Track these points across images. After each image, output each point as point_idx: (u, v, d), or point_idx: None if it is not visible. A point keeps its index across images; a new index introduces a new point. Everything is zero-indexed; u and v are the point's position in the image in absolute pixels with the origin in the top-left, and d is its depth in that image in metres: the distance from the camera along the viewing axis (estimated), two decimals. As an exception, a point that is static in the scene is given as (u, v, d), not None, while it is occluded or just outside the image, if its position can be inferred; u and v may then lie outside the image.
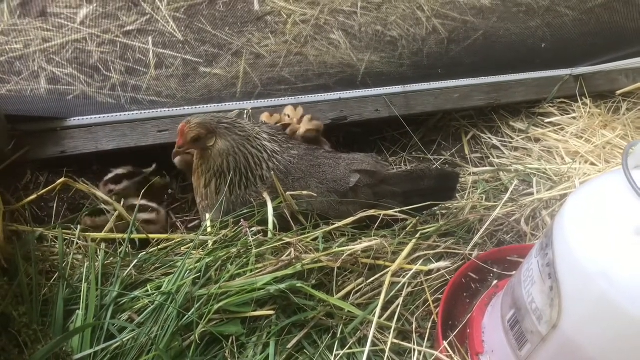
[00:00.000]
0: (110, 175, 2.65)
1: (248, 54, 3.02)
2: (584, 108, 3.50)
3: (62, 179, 2.24)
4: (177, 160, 2.63)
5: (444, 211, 2.57)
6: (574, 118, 3.45)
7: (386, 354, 1.80)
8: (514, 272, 1.78)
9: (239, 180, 2.31)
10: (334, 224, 2.21)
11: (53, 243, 2.18)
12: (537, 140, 3.37)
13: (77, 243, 2.15)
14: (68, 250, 2.09)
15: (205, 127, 2.24)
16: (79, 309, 1.80)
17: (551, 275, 1.41)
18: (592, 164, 3.04)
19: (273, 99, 3.03)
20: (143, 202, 2.45)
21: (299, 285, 1.85)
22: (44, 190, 2.33)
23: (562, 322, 1.38)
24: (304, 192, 2.25)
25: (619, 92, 3.65)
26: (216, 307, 1.77)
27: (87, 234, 2.24)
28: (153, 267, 2.04)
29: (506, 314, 1.68)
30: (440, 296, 2.03)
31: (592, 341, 1.34)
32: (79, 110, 2.73)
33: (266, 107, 2.95)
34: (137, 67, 2.87)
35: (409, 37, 3.23)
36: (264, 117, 2.81)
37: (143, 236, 2.29)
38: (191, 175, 2.52)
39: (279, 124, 2.65)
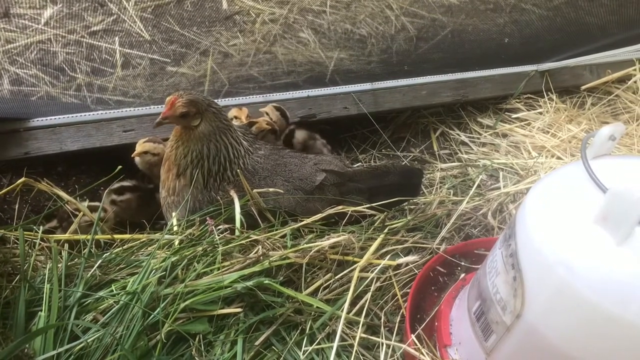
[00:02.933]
0: (115, 186, 2.64)
1: (216, 53, 3.01)
2: (549, 103, 3.56)
3: (23, 179, 2.20)
4: (138, 160, 2.60)
5: (412, 206, 2.59)
6: (540, 113, 3.50)
7: (355, 349, 1.79)
8: (480, 265, 1.80)
9: (216, 170, 2.28)
10: (302, 221, 2.20)
11: (15, 245, 2.14)
12: (505, 135, 3.41)
13: (40, 244, 2.11)
14: (30, 251, 2.06)
15: (196, 105, 2.20)
16: (41, 310, 1.76)
17: (514, 266, 1.43)
18: (558, 157, 3.09)
19: (241, 97, 3.02)
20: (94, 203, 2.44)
21: (266, 282, 1.84)
22: (4, 191, 2.29)
23: (525, 312, 1.40)
24: (271, 189, 2.24)
25: (583, 87, 3.72)
26: (182, 305, 1.75)
27: (49, 235, 2.20)
28: (118, 267, 2.01)
29: (472, 306, 1.69)
30: (408, 290, 2.03)
31: (554, 329, 1.35)
32: (43, 110, 2.69)
33: (233, 105, 2.94)
34: (103, 67, 2.84)
35: (377, 35, 3.24)
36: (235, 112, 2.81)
37: (107, 237, 2.26)
38: (154, 177, 2.49)
39: (244, 123, 2.66)
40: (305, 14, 3.22)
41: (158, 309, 1.74)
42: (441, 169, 3.16)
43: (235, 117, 2.78)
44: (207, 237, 2.06)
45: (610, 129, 1.41)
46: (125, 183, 2.65)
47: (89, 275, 1.91)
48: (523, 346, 1.47)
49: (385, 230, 2.24)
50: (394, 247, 2.20)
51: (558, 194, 1.44)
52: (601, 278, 1.22)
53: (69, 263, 1.98)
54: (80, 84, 2.79)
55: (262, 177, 2.33)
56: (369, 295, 1.97)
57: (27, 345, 1.64)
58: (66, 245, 2.11)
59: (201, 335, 1.77)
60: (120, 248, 2.14)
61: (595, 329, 1.27)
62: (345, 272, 2.03)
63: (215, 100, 2.31)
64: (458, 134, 3.47)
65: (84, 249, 2.11)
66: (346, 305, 1.86)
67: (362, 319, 1.87)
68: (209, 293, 1.81)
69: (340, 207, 2.23)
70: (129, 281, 1.88)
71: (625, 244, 1.19)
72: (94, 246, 2.13)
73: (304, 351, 1.80)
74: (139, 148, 2.56)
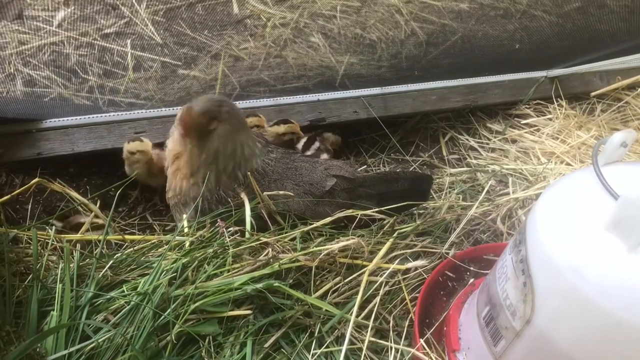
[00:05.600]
0: None
1: (227, 57, 3.03)
2: (559, 109, 3.55)
3: (36, 179, 2.22)
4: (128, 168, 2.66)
5: (421, 211, 2.59)
6: (550, 119, 3.49)
7: (363, 352, 1.80)
8: (489, 271, 1.80)
9: (231, 168, 2.27)
10: (311, 224, 2.20)
11: (27, 244, 2.16)
12: (514, 141, 3.40)
13: (52, 244, 2.13)
14: (42, 251, 2.07)
15: (208, 115, 2.19)
16: (53, 310, 1.78)
17: (524, 271, 1.43)
18: (568, 164, 3.08)
19: (251, 100, 3.03)
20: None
21: (276, 284, 1.85)
22: (18, 191, 2.31)
23: (535, 317, 1.40)
24: (281, 192, 2.25)
25: (593, 93, 3.71)
26: (193, 307, 1.76)
27: (62, 235, 2.22)
28: (129, 268, 2.02)
29: (481, 311, 1.69)
30: (417, 295, 2.04)
31: (564, 334, 1.35)
32: (55, 111, 2.71)
33: (245, 108, 2.96)
34: (115, 69, 2.86)
35: (387, 39, 3.25)
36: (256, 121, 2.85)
37: (119, 237, 2.27)
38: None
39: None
40: (315, 19, 3.24)
41: (168, 310, 1.75)
42: (450, 174, 3.16)
43: (257, 126, 2.82)
44: (218, 239, 2.07)
45: (621, 135, 1.42)
46: None
47: (100, 275, 1.93)
48: (532, 352, 1.47)
49: (395, 235, 2.24)
50: (403, 252, 2.20)
51: (569, 200, 1.44)
52: (612, 284, 1.22)
53: (80, 263, 1.99)
54: (93, 86, 2.81)
55: (273, 180, 2.34)
56: (377, 299, 1.98)
57: (39, 345, 1.65)
58: (78, 246, 2.13)
59: (211, 337, 1.78)
60: (132, 249, 2.16)
61: (605, 335, 1.27)
62: (354, 275, 2.03)
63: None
64: (467, 139, 3.47)
65: (95, 250, 2.13)
66: (355, 309, 1.86)
67: (370, 323, 1.88)
68: (219, 295, 1.82)
69: (350, 210, 2.24)
70: (140, 282, 1.89)
71: (637, 250, 1.20)
72: (105, 247, 2.15)
73: (312, 354, 1.80)
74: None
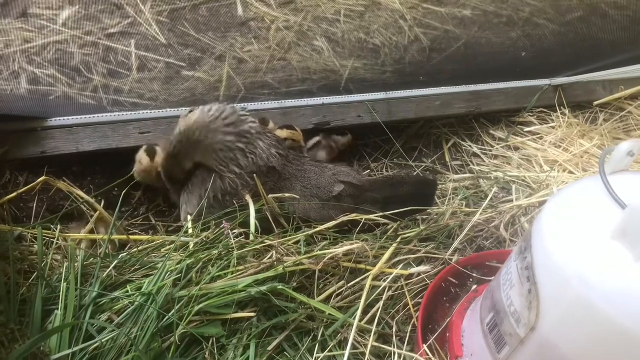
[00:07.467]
0: None
1: (231, 59, 3.03)
2: (562, 118, 3.55)
3: (43, 178, 2.22)
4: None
5: (424, 216, 2.59)
6: (553, 127, 3.50)
7: (366, 357, 1.80)
8: (493, 277, 1.80)
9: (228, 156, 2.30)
10: (316, 228, 2.21)
11: (32, 243, 2.16)
12: (517, 148, 3.41)
13: (57, 243, 2.13)
14: (47, 250, 2.07)
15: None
16: (57, 309, 1.77)
17: (530, 278, 1.43)
18: (570, 172, 3.09)
19: (257, 103, 3.04)
20: None
21: (280, 287, 1.85)
22: (24, 189, 2.31)
23: (540, 324, 1.40)
24: (287, 195, 2.25)
25: (596, 102, 3.71)
26: (197, 308, 1.76)
27: (66, 234, 2.22)
28: (133, 268, 2.02)
29: (485, 318, 1.69)
30: (420, 300, 2.04)
31: (569, 342, 1.35)
32: (60, 110, 2.71)
33: (250, 110, 2.96)
34: (119, 69, 2.86)
35: (391, 45, 3.25)
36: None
37: (123, 237, 2.27)
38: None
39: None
40: (319, 23, 3.24)
41: (173, 311, 1.75)
42: (454, 180, 3.16)
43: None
44: (222, 240, 2.07)
45: (629, 144, 1.42)
46: None
47: (104, 275, 1.93)
48: (536, 359, 1.47)
49: (398, 240, 2.25)
50: (406, 257, 2.20)
51: (575, 208, 1.44)
52: (618, 292, 1.22)
53: (85, 263, 1.99)
54: (97, 86, 2.81)
55: (283, 179, 2.37)
56: (381, 304, 1.97)
57: (43, 343, 1.65)
58: (82, 245, 2.13)
59: (214, 339, 1.78)
60: (136, 249, 2.16)
61: (610, 344, 1.27)
62: (357, 280, 2.04)
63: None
64: (470, 146, 3.47)
65: (99, 249, 2.13)
66: (358, 313, 1.86)
67: (374, 328, 1.87)
68: (223, 297, 1.82)
69: (354, 215, 2.25)
70: (144, 282, 1.89)
71: (644, 260, 1.20)
72: (109, 247, 2.15)
73: (315, 358, 1.80)
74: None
